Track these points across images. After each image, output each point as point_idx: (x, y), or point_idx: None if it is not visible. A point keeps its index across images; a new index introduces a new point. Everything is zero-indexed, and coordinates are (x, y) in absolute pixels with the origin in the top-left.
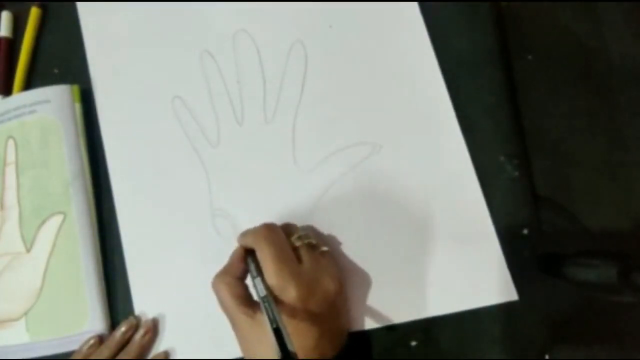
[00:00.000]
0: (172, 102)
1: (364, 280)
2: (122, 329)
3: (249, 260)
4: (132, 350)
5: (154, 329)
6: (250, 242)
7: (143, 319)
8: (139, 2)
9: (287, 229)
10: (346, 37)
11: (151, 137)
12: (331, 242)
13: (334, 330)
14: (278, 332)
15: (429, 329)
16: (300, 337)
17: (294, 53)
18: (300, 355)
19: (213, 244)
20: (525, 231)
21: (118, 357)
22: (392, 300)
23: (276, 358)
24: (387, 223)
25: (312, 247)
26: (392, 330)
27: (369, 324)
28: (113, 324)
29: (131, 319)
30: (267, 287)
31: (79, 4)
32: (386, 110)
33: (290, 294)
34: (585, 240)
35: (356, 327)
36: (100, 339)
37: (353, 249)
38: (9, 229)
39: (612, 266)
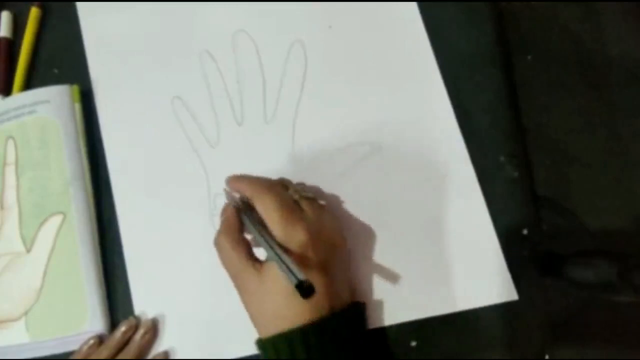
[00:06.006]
0: (172, 102)
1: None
2: (122, 329)
3: (243, 215)
4: (132, 350)
5: (154, 329)
6: (248, 192)
7: (143, 319)
8: (139, 2)
9: (283, 183)
10: (346, 37)
11: (151, 137)
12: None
13: (339, 282)
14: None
15: (429, 329)
16: None
17: (294, 53)
18: (310, 303)
19: (213, 243)
20: (525, 231)
21: (118, 357)
22: (392, 300)
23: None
24: (386, 223)
25: (310, 200)
26: (392, 330)
27: (369, 324)
28: (113, 324)
29: (131, 319)
30: (271, 235)
31: (79, 4)
32: (386, 110)
33: (299, 237)
34: (585, 240)
35: None
36: (100, 339)
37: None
38: (9, 229)
39: (611, 266)
